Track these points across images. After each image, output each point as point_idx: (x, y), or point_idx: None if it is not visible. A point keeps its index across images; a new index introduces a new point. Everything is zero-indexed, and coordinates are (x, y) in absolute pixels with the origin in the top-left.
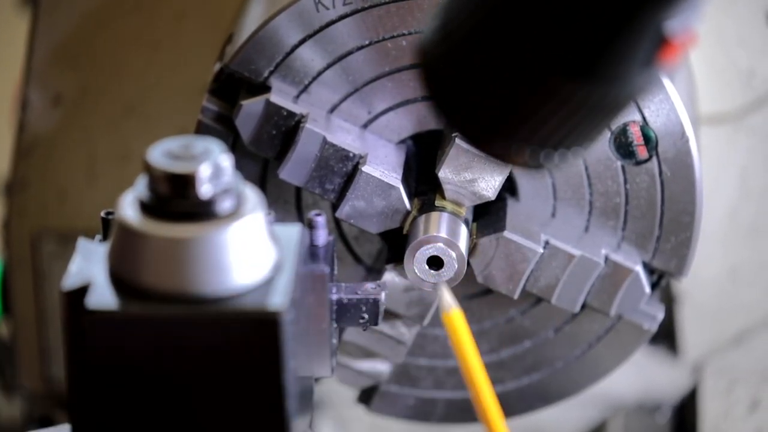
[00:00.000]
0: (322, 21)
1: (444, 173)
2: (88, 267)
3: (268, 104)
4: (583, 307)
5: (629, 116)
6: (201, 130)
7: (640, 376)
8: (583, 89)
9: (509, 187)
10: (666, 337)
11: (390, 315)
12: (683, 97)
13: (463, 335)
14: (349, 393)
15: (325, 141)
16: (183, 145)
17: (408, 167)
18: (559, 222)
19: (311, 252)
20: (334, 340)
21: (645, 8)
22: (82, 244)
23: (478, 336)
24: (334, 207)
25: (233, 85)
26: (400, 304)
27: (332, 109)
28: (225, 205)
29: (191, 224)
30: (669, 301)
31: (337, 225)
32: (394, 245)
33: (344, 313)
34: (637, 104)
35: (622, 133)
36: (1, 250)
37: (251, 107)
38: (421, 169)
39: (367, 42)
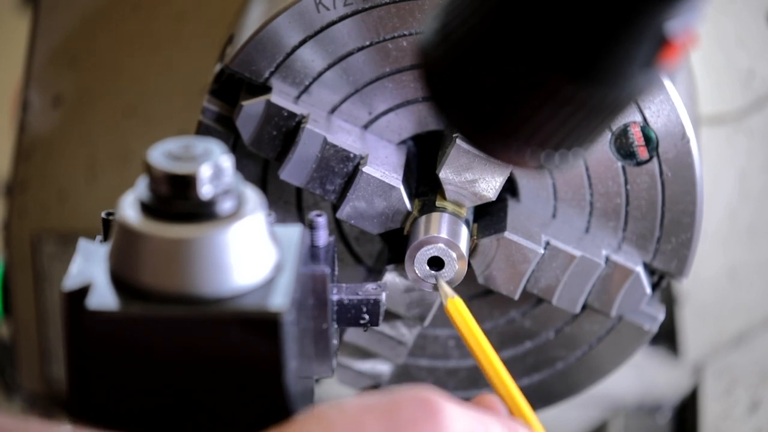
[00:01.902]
0: (322, 21)
1: (445, 174)
2: (89, 267)
3: (269, 105)
4: (584, 307)
5: (630, 117)
6: (201, 130)
7: (640, 377)
8: (583, 90)
9: (510, 188)
10: (666, 337)
11: (391, 316)
12: (684, 97)
13: (467, 318)
14: (350, 394)
15: (325, 141)
16: (183, 146)
17: (408, 168)
18: (560, 223)
19: (312, 252)
20: (335, 341)
21: (646, 9)
22: (83, 244)
23: None
24: (335, 207)
25: (234, 85)
26: (401, 304)
27: (333, 110)
28: (225, 205)
29: (192, 225)
30: (669, 301)
31: (337, 225)
32: (395, 246)
33: (345, 313)
34: (637, 105)
35: (623, 134)
36: (1, 250)
37: (252, 108)
38: (422, 169)
39: (367, 43)
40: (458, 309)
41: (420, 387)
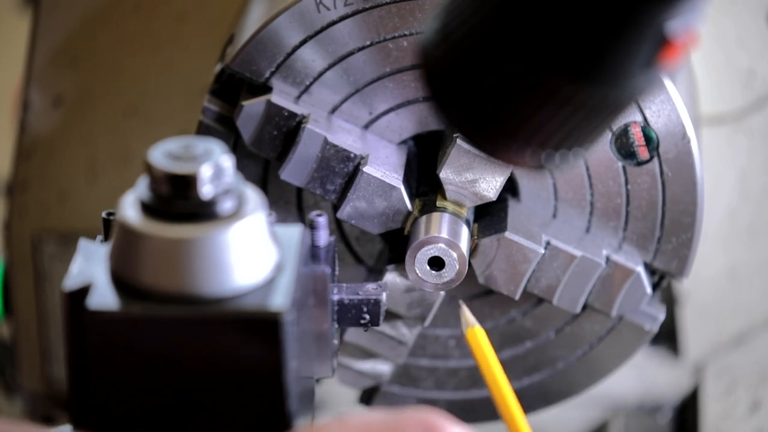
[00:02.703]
0: (323, 21)
1: (445, 174)
2: (89, 267)
3: (269, 105)
4: (584, 307)
5: (630, 117)
6: (202, 130)
7: (640, 377)
8: (584, 90)
9: (510, 188)
10: (667, 337)
11: (391, 315)
12: (684, 97)
13: (486, 348)
14: (351, 394)
15: (326, 141)
16: (184, 146)
17: (409, 168)
18: (561, 222)
19: (312, 252)
20: (336, 341)
21: (646, 9)
22: (83, 244)
23: None
24: (336, 207)
25: (234, 85)
26: (402, 304)
27: (333, 110)
28: (226, 205)
29: (192, 225)
30: (670, 301)
31: (338, 225)
32: (396, 246)
33: (345, 313)
34: (638, 105)
35: (624, 134)
36: (1, 250)
37: (252, 108)
38: (423, 169)
39: (368, 42)
40: (478, 338)
41: (426, 410)
